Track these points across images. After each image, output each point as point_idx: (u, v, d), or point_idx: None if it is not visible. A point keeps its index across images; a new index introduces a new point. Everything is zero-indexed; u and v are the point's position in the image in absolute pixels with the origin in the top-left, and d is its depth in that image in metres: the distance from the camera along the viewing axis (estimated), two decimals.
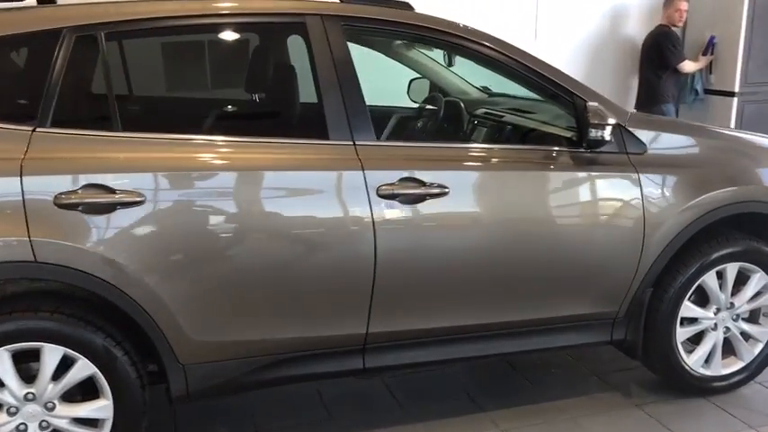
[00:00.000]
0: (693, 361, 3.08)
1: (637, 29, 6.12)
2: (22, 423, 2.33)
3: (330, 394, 3.19)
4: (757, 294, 3.12)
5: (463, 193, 2.63)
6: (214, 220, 2.38)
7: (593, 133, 2.62)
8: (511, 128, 3.23)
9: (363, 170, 2.50)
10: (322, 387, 3.23)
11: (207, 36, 2.76)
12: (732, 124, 6.02)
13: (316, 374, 2.66)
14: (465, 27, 2.74)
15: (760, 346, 3.18)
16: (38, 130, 2.27)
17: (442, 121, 3.54)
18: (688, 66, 5.85)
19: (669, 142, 2.95)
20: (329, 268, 2.52)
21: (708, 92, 6.24)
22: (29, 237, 2.19)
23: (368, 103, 2.56)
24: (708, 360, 3.12)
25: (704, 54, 6.03)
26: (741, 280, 3.08)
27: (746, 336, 3.16)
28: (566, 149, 2.76)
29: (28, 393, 2.32)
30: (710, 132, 3.20)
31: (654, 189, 2.83)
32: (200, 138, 2.43)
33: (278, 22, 2.59)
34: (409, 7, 3.32)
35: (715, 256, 2.97)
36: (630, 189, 2.80)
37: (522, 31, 5.16)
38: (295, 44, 2.65)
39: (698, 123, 3.37)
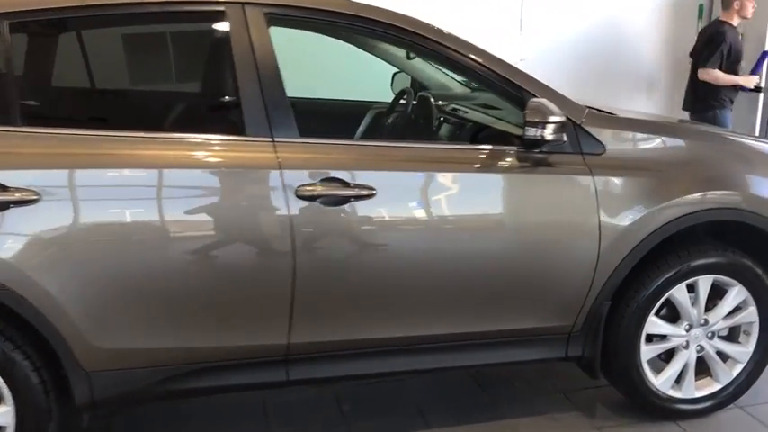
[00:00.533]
0: (661, 382, 2.82)
1: (631, 20, 5.81)
2: None
3: (275, 402, 3.04)
4: (735, 310, 2.84)
5: (392, 195, 2.43)
6: (115, 221, 2.25)
7: (530, 132, 2.39)
8: (467, 125, 3.01)
9: (281, 169, 2.33)
10: (267, 395, 3.08)
11: (118, 27, 2.62)
12: (757, 122, 5.65)
13: (234, 386, 2.51)
14: (403, 17, 2.54)
15: (739, 367, 2.90)
16: None
17: (394, 118, 3.34)
18: (715, 75, 5.08)
19: (633, 142, 2.69)
20: (244, 274, 2.36)
21: None
22: None
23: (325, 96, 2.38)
24: (679, 381, 2.86)
25: (753, 72, 5.30)
26: (720, 294, 2.81)
27: (724, 355, 2.88)
28: (511, 149, 2.53)
29: None
30: (693, 133, 2.91)
31: (611, 193, 2.58)
32: (103, 133, 2.29)
33: (195, 11, 2.44)
34: None
35: (683, 267, 2.70)
36: (584, 193, 2.56)
37: (506, 24, 4.90)
38: (214, 34, 2.50)
39: (683, 123, 3.09)
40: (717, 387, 2.90)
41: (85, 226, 2.22)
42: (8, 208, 2.15)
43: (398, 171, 2.46)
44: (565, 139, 2.52)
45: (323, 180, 2.36)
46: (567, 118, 2.55)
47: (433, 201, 2.48)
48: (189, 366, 2.41)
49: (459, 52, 2.55)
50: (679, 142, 2.79)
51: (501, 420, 2.91)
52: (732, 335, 2.92)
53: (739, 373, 2.90)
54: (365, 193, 2.38)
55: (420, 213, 2.47)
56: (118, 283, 2.27)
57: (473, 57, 2.56)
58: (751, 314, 2.84)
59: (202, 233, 2.31)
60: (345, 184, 2.37)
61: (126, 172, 2.26)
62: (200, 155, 2.34)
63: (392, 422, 2.90)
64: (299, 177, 2.34)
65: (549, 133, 2.40)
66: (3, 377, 2.27)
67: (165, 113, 2.61)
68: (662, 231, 2.63)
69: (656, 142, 2.73)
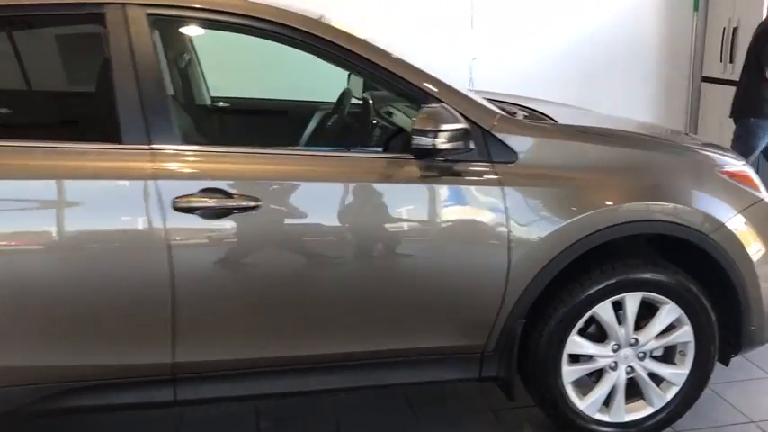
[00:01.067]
0: (587, 405, 2.64)
1: (591, 15, 5.56)
2: None
3: (194, 416, 2.92)
4: (669, 329, 2.63)
5: (278, 206, 2.29)
6: None
7: (418, 140, 2.22)
8: (392, 131, 2.84)
9: (157, 179, 2.21)
10: (184, 409, 2.96)
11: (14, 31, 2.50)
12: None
13: (117, 405, 2.39)
14: (294, 15, 2.39)
15: (674, 390, 2.70)
16: None
17: (332, 121, 3.19)
18: None
19: (549, 150, 2.50)
20: (120, 290, 2.24)
21: (719, 82, 5.61)
22: None
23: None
24: (608, 404, 2.67)
25: None
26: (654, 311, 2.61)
27: (659, 377, 2.68)
28: (412, 158, 2.36)
29: None
30: (626, 141, 2.65)
31: (522, 204, 2.40)
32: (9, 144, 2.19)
33: (72, 13, 2.33)
34: None
35: (606, 284, 2.51)
36: (491, 204, 2.39)
37: (457, 20, 4.68)
38: (93, 36, 2.38)
39: (620, 129, 2.83)
40: (650, 411, 2.70)
41: None
42: None
43: (286, 181, 2.31)
44: (472, 146, 2.36)
45: (202, 191, 2.23)
46: (476, 124, 2.39)
47: (326, 213, 2.33)
48: (67, 385, 2.31)
49: (355, 53, 2.38)
50: (605, 150, 2.57)
51: None
52: (668, 355, 2.71)
53: (674, 396, 2.70)
54: (249, 204, 2.25)
55: (310, 226, 2.33)
56: None
57: (371, 58, 2.39)
58: (686, 333, 2.63)
59: (76, 248, 2.20)
60: (227, 195, 2.24)
61: None
62: (72, 164, 2.22)
63: None
64: (177, 188, 2.22)
65: (442, 142, 2.23)
66: None
67: (39, 120, 2.51)
68: (579, 246, 2.44)
69: (575, 149, 2.53)
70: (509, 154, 2.43)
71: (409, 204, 2.38)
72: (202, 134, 2.45)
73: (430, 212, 2.39)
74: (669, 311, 2.60)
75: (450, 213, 2.40)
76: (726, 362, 2.82)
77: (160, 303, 2.25)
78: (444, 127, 2.23)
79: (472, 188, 2.39)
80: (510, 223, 2.39)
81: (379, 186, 2.35)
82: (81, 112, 2.38)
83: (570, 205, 2.43)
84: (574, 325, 2.54)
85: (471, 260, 2.42)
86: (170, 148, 2.26)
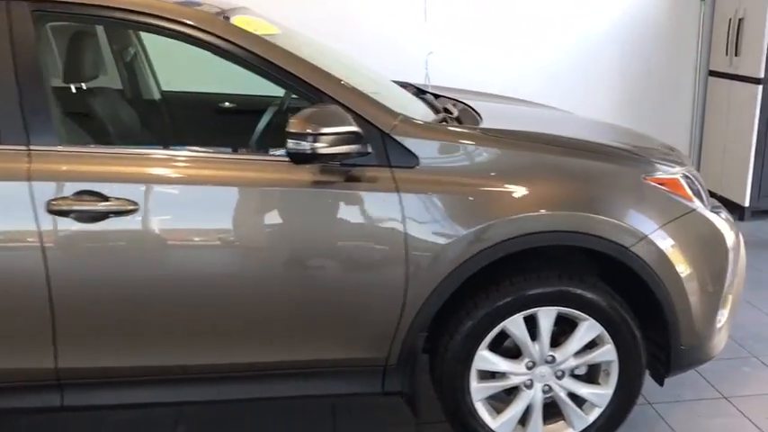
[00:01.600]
0: (500, 424, 2.48)
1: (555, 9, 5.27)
2: None
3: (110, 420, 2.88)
4: (592, 346, 2.46)
5: (156, 210, 2.20)
6: None
7: (293, 144, 2.09)
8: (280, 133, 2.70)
9: (30, 181, 2.14)
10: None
11: None
12: (756, 117, 5.05)
13: (4, 409, 2.35)
14: (180, 10, 2.28)
15: (597, 411, 2.52)
16: None
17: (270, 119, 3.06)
18: None
19: (455, 155, 2.35)
20: None
21: (725, 76, 5.30)
22: None
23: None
24: (524, 424, 2.51)
25: None
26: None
27: (579, 398, 2.51)
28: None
29: None
30: (543, 146, 2.45)
31: (421, 212, 2.26)
32: None
33: None
34: None
35: (515, 297, 2.35)
36: (388, 211, 2.25)
37: (409, 13, 4.48)
38: None
39: (545, 132, 2.64)
40: None
41: None
42: None
43: (165, 184, 2.22)
44: (369, 150, 2.23)
45: (77, 193, 2.16)
46: (374, 126, 2.26)
47: (205, 219, 2.23)
48: None
49: (248, 50, 2.27)
50: (515, 155, 2.39)
51: None
52: (593, 375, 2.54)
53: (598, 418, 2.52)
54: (125, 207, 2.16)
55: (187, 232, 2.23)
56: None
57: (262, 54, 2.27)
58: (608, 352, 2.45)
59: None
60: (103, 198, 2.16)
61: None
62: None
63: None
64: (51, 190, 2.15)
65: (323, 146, 2.10)
66: None
67: None
68: (482, 257, 2.29)
69: (483, 154, 2.36)
70: (410, 158, 2.29)
71: (297, 211, 2.26)
72: (90, 134, 2.38)
73: (320, 219, 2.26)
74: (588, 328, 2.42)
75: (343, 221, 2.27)
76: (660, 382, 2.63)
77: (38, 308, 2.19)
78: (326, 130, 2.10)
79: (368, 194, 2.25)
80: (407, 232, 2.25)
81: (263, 191, 2.24)
82: None
83: (472, 214, 2.28)
84: (482, 339, 2.39)
85: (367, 270, 2.29)
86: (48, 149, 2.19)
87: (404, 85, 3.46)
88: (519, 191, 2.32)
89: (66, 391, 2.33)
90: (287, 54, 2.31)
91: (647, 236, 2.34)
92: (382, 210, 2.25)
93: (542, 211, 2.31)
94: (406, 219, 2.26)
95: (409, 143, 2.29)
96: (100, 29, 2.96)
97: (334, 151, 2.13)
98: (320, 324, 2.34)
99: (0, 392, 2.31)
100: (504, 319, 2.38)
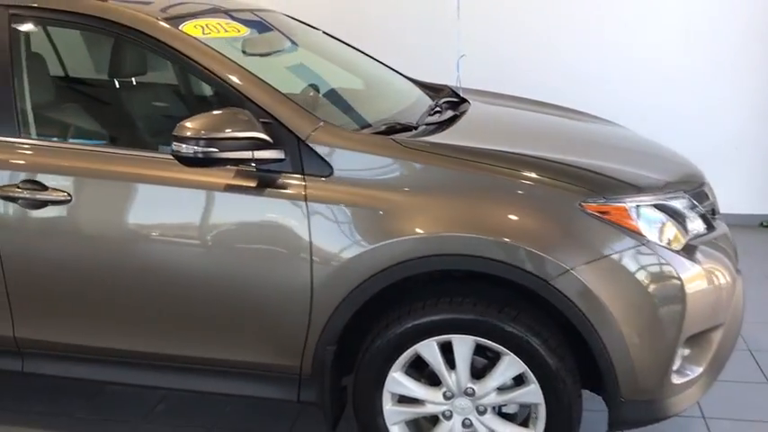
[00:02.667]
0: None
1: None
2: None
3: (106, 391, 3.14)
4: (519, 384, 2.24)
5: (86, 202, 2.37)
6: None
7: (176, 147, 2.12)
8: None
9: None
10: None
11: None
12: None
13: None
14: (141, 17, 2.41)
15: None
16: None
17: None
18: None
19: (371, 167, 2.24)
20: None
21: None
22: None
23: None
24: None
25: None
26: None
27: None
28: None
29: None
30: (475, 163, 2.25)
31: (328, 223, 2.21)
32: None
33: None
34: None
35: (424, 320, 2.21)
36: (294, 220, 2.22)
37: (442, 10, 4.16)
38: None
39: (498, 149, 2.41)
40: None
41: None
42: None
43: (93, 178, 2.37)
44: (282, 156, 2.23)
45: (23, 182, 2.39)
46: (291, 132, 2.24)
47: (126, 212, 2.36)
48: None
49: (167, 45, 2.35)
50: (438, 171, 2.24)
51: None
52: (526, 416, 2.31)
53: None
54: (60, 197, 2.36)
55: (114, 224, 2.37)
56: None
57: (184, 52, 2.34)
58: (532, 393, 2.21)
59: None
60: (43, 188, 2.37)
61: None
62: None
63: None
64: (2, 178, 2.39)
65: (213, 150, 2.11)
66: None
67: None
68: (387, 274, 2.17)
69: (403, 168, 2.23)
70: (324, 167, 2.24)
71: (208, 211, 2.31)
72: (49, 127, 2.59)
73: (229, 222, 2.30)
74: (509, 364, 2.20)
75: (250, 225, 2.28)
76: None
77: None
78: (218, 135, 2.12)
79: (276, 201, 2.24)
80: (313, 242, 2.21)
81: (176, 190, 2.32)
82: None
83: (379, 229, 2.18)
84: (393, 361, 2.27)
85: (273, 276, 2.28)
86: (4, 139, 2.43)
87: (440, 88, 3.39)
88: (432, 208, 2.18)
89: (25, 358, 2.59)
90: (214, 57, 2.35)
91: (571, 269, 2.07)
92: (290, 219, 2.23)
93: (453, 232, 2.14)
94: (311, 229, 2.21)
95: (324, 152, 2.24)
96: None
97: (230, 156, 2.15)
98: (231, 326, 2.37)
99: None
100: (415, 342, 2.24)
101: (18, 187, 2.38)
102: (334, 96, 3.08)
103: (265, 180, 2.25)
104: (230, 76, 2.32)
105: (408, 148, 2.28)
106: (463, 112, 2.90)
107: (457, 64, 4.04)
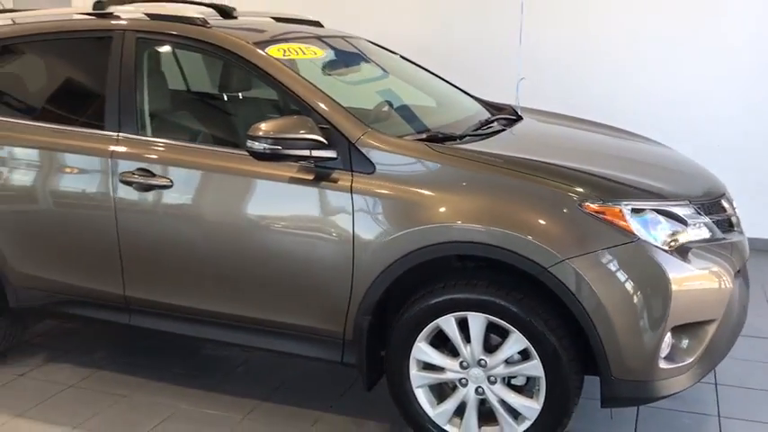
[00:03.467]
0: (437, 413, 2.74)
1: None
2: None
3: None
4: (525, 359, 2.58)
5: (183, 187, 2.95)
6: (21, 188, 3.24)
7: (249, 144, 2.64)
8: None
9: (111, 158, 3.05)
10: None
11: (59, 47, 3.52)
12: None
13: (98, 319, 3.30)
14: (235, 41, 2.98)
15: (527, 424, 2.62)
16: None
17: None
18: None
19: (405, 165, 2.68)
20: (86, 234, 3.15)
21: None
22: None
23: None
24: (461, 418, 2.72)
25: None
26: None
27: (512, 407, 2.64)
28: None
29: None
30: (493, 167, 2.65)
31: (368, 211, 2.66)
32: (37, 124, 3.28)
33: (92, 36, 3.28)
34: (318, 24, 3.68)
35: (444, 298, 2.61)
36: (342, 206, 2.70)
37: (506, 35, 4.41)
38: (102, 52, 3.24)
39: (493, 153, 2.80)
40: None
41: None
42: None
43: (189, 168, 2.95)
44: (334, 155, 2.71)
45: (138, 170, 3.01)
46: (344, 136, 2.72)
47: (215, 197, 2.93)
48: (66, 296, 3.29)
49: (273, 78, 2.90)
50: (460, 172, 2.64)
51: (304, 409, 3.17)
52: (528, 386, 2.65)
53: (526, 431, 2.62)
54: (164, 183, 2.96)
55: (202, 206, 2.95)
56: (20, 227, 3.27)
57: (273, 75, 2.89)
58: (534, 367, 2.55)
59: (62, 201, 3.18)
60: (152, 174, 2.98)
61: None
62: (66, 142, 3.17)
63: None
64: (124, 166, 3.03)
65: (278, 148, 2.62)
66: None
67: (66, 110, 3.46)
68: (413, 257, 2.60)
69: (432, 168, 2.66)
70: (368, 165, 2.70)
71: (272, 198, 2.84)
72: (162, 127, 3.19)
73: (289, 208, 2.81)
74: (516, 340, 2.56)
75: (308, 210, 2.77)
76: (610, 412, 2.62)
77: (112, 249, 3.10)
78: (284, 135, 2.63)
79: (329, 192, 2.72)
80: (355, 226, 2.68)
81: (251, 181, 2.85)
82: (92, 105, 3.29)
83: (408, 218, 2.61)
84: (418, 332, 2.68)
85: (323, 253, 2.75)
86: (128, 135, 3.07)
87: (504, 107, 3.80)
88: (451, 202, 2.58)
89: (132, 314, 3.21)
90: (289, 75, 2.88)
91: (567, 259, 2.42)
92: (338, 206, 2.71)
93: (468, 222, 2.54)
94: (354, 216, 2.68)
95: (370, 153, 2.71)
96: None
97: (292, 153, 2.66)
98: (292, 293, 2.86)
99: (88, 304, 3.27)
100: (437, 317, 2.64)
101: (134, 174, 3.01)
102: (404, 110, 3.56)
103: (321, 174, 2.74)
104: (298, 89, 2.84)
105: (437, 151, 2.70)
106: (510, 127, 3.30)
107: (517, 86, 4.40)
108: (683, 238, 2.56)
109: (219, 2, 3.96)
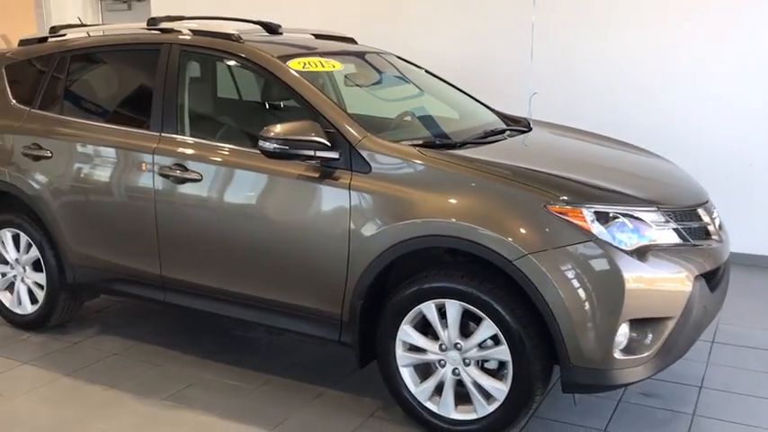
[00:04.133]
0: (419, 390, 3.04)
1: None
2: None
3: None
4: (497, 344, 2.85)
5: (211, 180, 3.37)
6: (83, 177, 3.75)
7: (261, 143, 3.02)
8: None
9: (154, 154, 3.51)
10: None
11: (118, 57, 4.04)
12: None
13: (139, 296, 3.77)
14: (262, 55, 3.40)
15: (496, 404, 2.88)
16: (31, 110, 4.02)
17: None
18: None
19: (396, 167, 3.00)
20: (130, 220, 3.62)
21: None
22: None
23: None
24: (440, 396, 3.01)
25: None
26: None
27: (484, 389, 2.91)
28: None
29: None
30: (473, 171, 2.93)
31: (362, 206, 3.00)
32: (96, 124, 3.82)
33: (145, 49, 3.76)
34: (352, 41, 4.10)
35: (422, 287, 2.92)
36: (341, 201, 3.05)
37: (518, 54, 4.59)
38: (152, 62, 3.71)
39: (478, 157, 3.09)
40: (473, 416, 2.94)
41: (69, 177, 3.78)
42: (39, 160, 3.86)
43: (215, 164, 3.37)
44: (336, 156, 3.07)
45: (174, 164, 3.45)
46: (346, 139, 3.07)
47: (235, 189, 3.34)
48: (115, 275, 3.78)
49: (289, 86, 3.31)
50: (442, 173, 2.94)
51: (311, 384, 3.52)
52: (500, 369, 2.91)
53: (495, 410, 2.88)
54: (195, 177, 3.39)
55: (226, 197, 3.36)
56: (76, 211, 3.78)
57: (298, 91, 3.28)
58: (502, 352, 2.82)
59: (108, 189, 3.68)
60: (185, 169, 3.42)
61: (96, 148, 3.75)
62: (118, 140, 3.66)
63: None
64: (162, 161, 3.49)
65: (285, 149, 3.00)
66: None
67: (120, 112, 3.95)
68: (399, 247, 2.92)
69: (418, 169, 2.97)
70: (365, 166, 3.04)
71: (282, 192, 3.22)
72: (196, 128, 3.63)
73: (296, 201, 3.17)
74: (487, 327, 2.83)
75: (311, 205, 3.13)
76: (573, 398, 2.85)
77: (151, 233, 3.56)
78: (292, 137, 3.00)
79: (330, 188, 3.08)
80: (351, 219, 3.02)
81: (263, 176, 3.26)
82: (142, 107, 3.77)
83: (396, 213, 2.93)
84: (404, 315, 2.99)
85: (324, 241, 3.11)
86: (168, 135, 3.53)
87: (519, 119, 4.09)
88: (434, 200, 2.89)
89: (167, 292, 3.65)
90: (303, 84, 3.26)
91: (531, 253, 2.68)
92: (338, 199, 3.06)
93: (445, 218, 2.84)
94: (351, 210, 3.02)
95: (367, 155, 3.05)
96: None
97: (298, 153, 3.03)
98: (299, 277, 3.22)
99: (132, 282, 3.74)
100: (420, 302, 2.95)
101: (170, 168, 3.45)
102: (424, 119, 3.89)
103: (324, 172, 3.10)
104: (310, 97, 3.22)
105: (423, 155, 3.01)
106: (514, 137, 3.58)
107: (529, 100, 4.64)
108: (646, 240, 2.78)
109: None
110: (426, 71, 4.30)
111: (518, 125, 3.94)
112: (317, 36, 4.26)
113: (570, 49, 5.31)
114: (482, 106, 4.15)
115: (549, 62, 5.18)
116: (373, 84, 4.07)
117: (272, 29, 4.05)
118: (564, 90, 5.13)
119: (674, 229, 2.89)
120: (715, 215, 3.21)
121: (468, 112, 4.10)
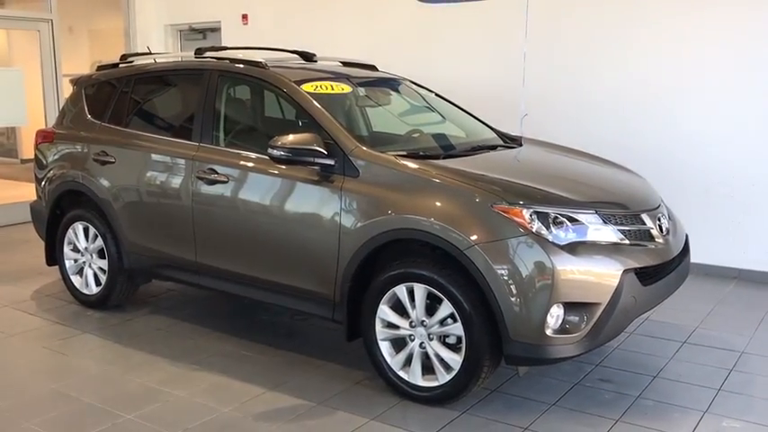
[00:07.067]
0: (394, 361, 3.59)
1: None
2: None
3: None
4: (454, 322, 3.38)
5: (234, 182, 4.06)
6: (138, 179, 4.53)
7: (269, 150, 3.67)
8: None
9: (193, 161, 4.24)
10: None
11: (170, 80, 4.82)
12: None
13: (179, 279, 4.50)
14: (281, 79, 4.08)
15: (453, 373, 3.41)
16: (102, 124, 4.85)
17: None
18: None
19: (379, 174, 3.59)
20: (173, 214, 4.36)
21: None
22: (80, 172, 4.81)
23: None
24: (410, 366, 3.56)
25: None
26: None
27: (445, 361, 3.44)
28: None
29: None
30: (441, 178, 3.47)
31: (350, 205, 3.62)
32: (150, 134, 4.61)
33: (192, 74, 4.52)
34: (373, 68, 4.79)
35: (395, 272, 3.49)
36: (334, 200, 3.67)
37: (510, 79, 5.04)
38: (197, 84, 4.45)
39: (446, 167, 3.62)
40: (435, 384, 3.47)
41: (125, 178, 4.58)
42: (105, 164, 4.67)
43: (237, 168, 4.06)
44: (332, 162, 3.70)
45: (208, 169, 4.17)
46: (341, 149, 3.70)
47: (252, 189, 4.02)
48: (162, 261, 4.52)
49: (301, 107, 3.99)
50: (415, 178, 3.52)
51: (314, 358, 4.10)
52: (458, 343, 3.42)
53: (452, 378, 3.41)
54: (222, 179, 4.10)
55: (245, 195, 4.04)
56: (130, 207, 4.56)
57: (307, 109, 3.95)
58: (458, 328, 3.34)
59: (155, 190, 4.43)
60: (215, 173, 4.13)
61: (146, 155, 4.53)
62: (166, 148, 4.41)
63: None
64: (199, 166, 4.21)
65: (289, 156, 3.64)
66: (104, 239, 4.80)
67: (171, 126, 4.71)
68: (374, 240, 3.52)
69: (395, 175, 3.55)
70: (355, 172, 3.65)
71: (287, 192, 3.87)
72: (227, 139, 4.33)
73: (299, 199, 3.82)
74: (445, 306, 3.37)
75: (311, 203, 3.77)
76: (517, 372, 3.35)
77: (188, 225, 4.28)
78: (295, 146, 3.64)
79: (326, 189, 3.71)
80: (341, 216, 3.64)
81: (272, 178, 3.92)
82: (188, 122, 4.53)
83: (374, 211, 3.52)
84: (382, 296, 3.56)
85: (319, 233, 3.73)
86: (205, 145, 4.26)
87: (516, 138, 4.64)
88: (405, 200, 3.46)
89: (201, 276, 4.36)
90: (310, 104, 3.92)
91: (476, 244, 3.22)
92: (331, 201, 3.68)
93: (410, 214, 3.41)
94: (342, 208, 3.64)
95: (357, 162, 3.66)
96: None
97: (300, 159, 3.67)
98: (300, 263, 3.85)
99: (175, 268, 4.47)
100: (393, 285, 3.52)
101: (205, 172, 4.17)
102: (434, 136, 4.51)
103: (322, 176, 3.73)
104: (315, 113, 3.88)
105: (399, 162, 3.60)
106: (495, 151, 4.12)
107: (520, 121, 5.12)
108: (580, 237, 3.27)
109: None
110: (436, 94, 4.89)
111: (513, 142, 4.48)
112: (344, 63, 4.94)
113: (557, 76, 5.84)
114: (485, 126, 4.71)
115: (539, 87, 5.67)
116: (388, 104, 4.70)
117: (307, 57, 4.76)
118: (550, 112, 5.64)
119: (612, 230, 3.36)
120: (662, 221, 3.65)
121: (472, 131, 4.66)
